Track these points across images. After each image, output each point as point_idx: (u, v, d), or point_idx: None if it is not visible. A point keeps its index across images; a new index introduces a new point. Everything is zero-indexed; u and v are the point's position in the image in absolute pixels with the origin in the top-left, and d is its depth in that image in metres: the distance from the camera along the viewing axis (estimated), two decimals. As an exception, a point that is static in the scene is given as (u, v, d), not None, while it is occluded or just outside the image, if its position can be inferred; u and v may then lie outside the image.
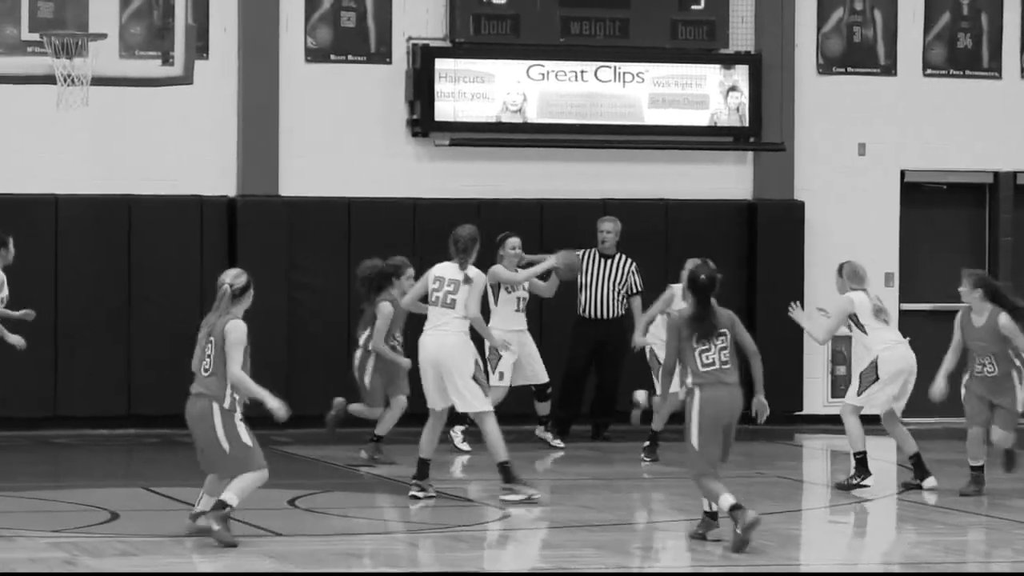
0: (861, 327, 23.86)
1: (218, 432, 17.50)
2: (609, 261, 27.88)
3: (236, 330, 17.49)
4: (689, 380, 18.85)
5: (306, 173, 30.94)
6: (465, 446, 26.66)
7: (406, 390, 25.10)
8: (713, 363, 18.70)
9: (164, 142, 29.89)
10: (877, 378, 23.68)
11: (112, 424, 23.92)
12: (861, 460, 23.54)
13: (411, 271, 24.04)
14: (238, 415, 17.81)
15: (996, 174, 33.48)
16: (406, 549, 20.04)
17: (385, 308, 24.54)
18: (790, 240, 32.07)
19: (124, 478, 25.14)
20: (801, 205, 32.66)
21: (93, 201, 30.02)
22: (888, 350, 23.69)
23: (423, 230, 30.32)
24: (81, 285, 29.48)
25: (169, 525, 20.46)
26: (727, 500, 18.24)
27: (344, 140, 31.04)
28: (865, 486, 23.19)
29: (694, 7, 31.67)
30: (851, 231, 31.77)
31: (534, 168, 31.65)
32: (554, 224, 30.75)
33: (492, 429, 21.40)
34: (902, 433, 23.73)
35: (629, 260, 27.52)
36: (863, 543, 22.53)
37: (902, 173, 33.12)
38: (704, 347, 18.84)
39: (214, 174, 30.69)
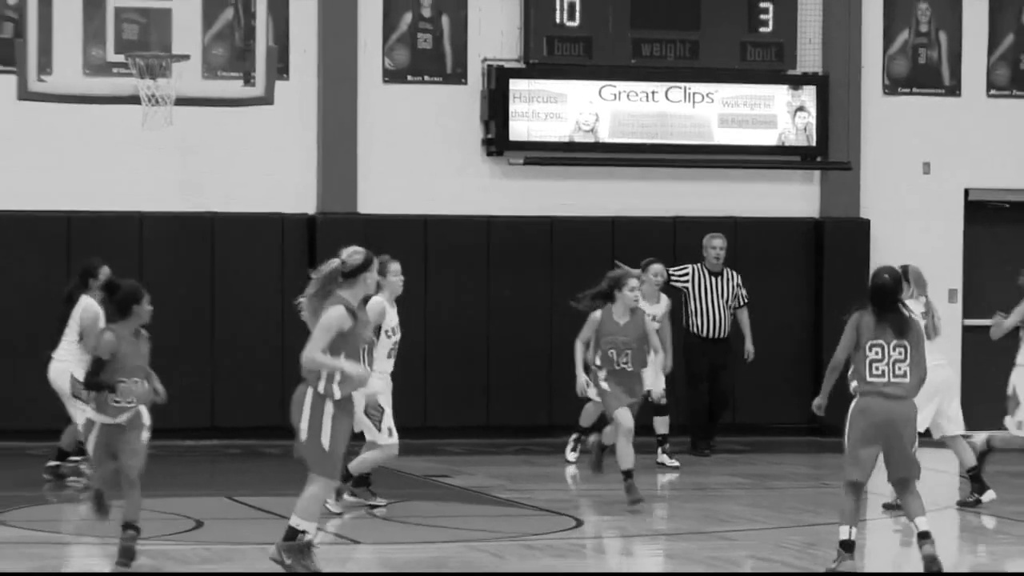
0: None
1: (304, 415, 16.42)
2: (718, 278, 27.98)
3: (328, 316, 16.42)
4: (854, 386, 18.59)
5: (383, 191, 31.03)
6: (572, 456, 26.75)
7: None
8: (883, 374, 18.20)
9: (246, 160, 29.94)
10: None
11: (196, 436, 24.63)
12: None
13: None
14: (330, 409, 16.53)
15: None
16: (488, 558, 19.77)
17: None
18: (856, 257, 31.57)
19: (208, 488, 25.30)
20: (867, 223, 32.46)
21: (177, 219, 30.30)
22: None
23: (497, 247, 30.89)
24: (166, 301, 26.18)
25: (252, 533, 20.89)
26: (843, 531, 18.31)
27: (420, 159, 31.01)
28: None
29: (762, 29, 31.66)
30: (916, 248, 30.67)
31: (606, 186, 31.59)
32: (625, 241, 30.39)
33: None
34: (960, 446, 23.48)
35: (735, 274, 27.60)
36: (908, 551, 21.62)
37: (966, 192, 32.96)
38: (876, 357, 18.40)
39: (294, 192, 30.93)
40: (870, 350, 18.11)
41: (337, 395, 16.46)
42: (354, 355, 17.92)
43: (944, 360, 22.63)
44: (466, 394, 27.75)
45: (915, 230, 32.49)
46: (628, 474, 22.02)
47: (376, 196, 31.01)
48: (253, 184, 30.52)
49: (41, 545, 22.11)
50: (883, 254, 31.14)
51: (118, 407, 16.58)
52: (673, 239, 30.31)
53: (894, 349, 18.15)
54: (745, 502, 23.99)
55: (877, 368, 18.06)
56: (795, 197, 32.53)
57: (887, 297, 18.48)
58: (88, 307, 23.84)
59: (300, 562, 16.13)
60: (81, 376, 21.53)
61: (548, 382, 29.86)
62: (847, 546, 17.93)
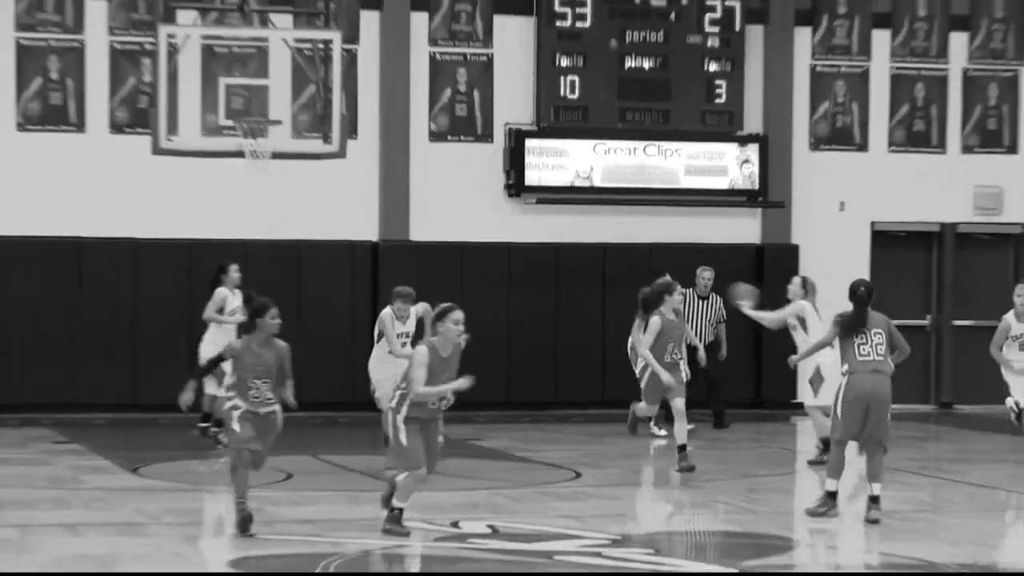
0: (806, 329, 24.27)
1: (385, 427, 17.12)
2: (705, 301, 29.23)
3: (415, 354, 17.07)
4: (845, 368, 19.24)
5: (429, 223, 31.98)
6: (661, 431, 26.41)
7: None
8: (868, 355, 18.99)
9: (324, 199, 31.10)
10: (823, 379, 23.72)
11: (287, 408, 24.03)
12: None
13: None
14: (402, 415, 17.05)
15: (942, 224, 34.48)
16: (508, 501, 20.25)
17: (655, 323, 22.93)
18: (788, 274, 29.06)
19: (296, 448, 24.26)
20: (796, 248, 33.84)
21: (271, 244, 31.17)
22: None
23: (516, 267, 32.24)
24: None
25: (331, 483, 22.61)
26: (829, 483, 19.18)
27: (457, 199, 32.05)
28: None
29: (717, 100, 33.21)
30: (833, 267, 31.54)
31: (598, 220, 32.88)
32: (612, 263, 32.53)
33: None
34: (818, 417, 23.87)
35: (718, 298, 28.30)
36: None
37: (872, 224, 34.21)
38: (861, 341, 19.08)
39: (361, 223, 31.82)
40: (857, 336, 18.99)
41: (403, 411, 17.05)
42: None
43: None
44: (492, 377, 26.54)
45: (833, 253, 33.34)
46: (682, 447, 22.44)
47: (424, 227, 32.07)
48: (330, 218, 31.51)
49: (170, 492, 22.58)
50: (808, 272, 30.54)
51: (258, 400, 16.66)
52: (649, 262, 30.58)
53: (875, 335, 19.03)
54: (709, 460, 24.38)
55: (863, 350, 18.99)
56: (741, 228, 33.69)
57: (867, 300, 19.35)
58: (216, 293, 25.03)
59: (397, 529, 16.86)
60: (204, 354, 24.71)
61: (555, 367, 31.34)
62: (832, 496, 18.99)
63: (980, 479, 23.00)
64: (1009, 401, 24.16)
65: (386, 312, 23.39)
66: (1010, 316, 24.06)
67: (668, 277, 24.14)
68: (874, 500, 19.20)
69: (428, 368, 16.75)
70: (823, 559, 19.03)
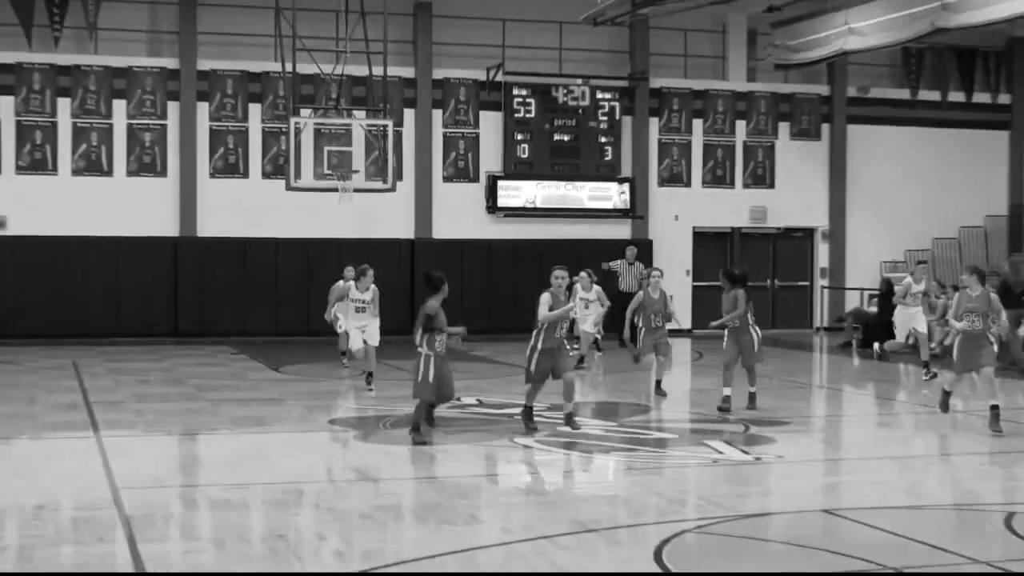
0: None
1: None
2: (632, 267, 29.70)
3: (541, 298, 16.20)
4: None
5: (445, 228, 32.84)
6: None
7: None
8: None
9: (383, 215, 31.46)
10: None
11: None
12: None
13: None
14: (538, 347, 16.09)
15: (732, 228, 35.13)
16: (494, 384, 18.60)
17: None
18: (647, 259, 32.14)
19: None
20: (651, 242, 34.23)
21: (355, 241, 31.05)
22: None
23: (492, 254, 32.50)
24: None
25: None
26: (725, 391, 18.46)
27: (459, 214, 32.94)
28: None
29: (607, 157, 33.84)
30: (672, 255, 33.62)
31: (539, 227, 33.46)
32: (550, 255, 29.62)
33: None
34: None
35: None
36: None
37: (693, 227, 34.84)
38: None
39: (404, 226, 32.58)
40: (746, 303, 18.47)
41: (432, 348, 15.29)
42: None
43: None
44: (480, 313, 27.41)
45: (672, 246, 34.37)
46: (658, 383, 20.15)
47: (443, 229, 33.05)
48: (388, 224, 32.11)
49: (298, 382, 23.12)
50: (659, 258, 32.97)
51: (440, 345, 15.05)
52: (568, 251, 30.56)
53: (747, 303, 18.60)
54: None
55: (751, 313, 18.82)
56: (619, 231, 34.17)
57: (745, 278, 19.06)
58: (337, 284, 23.65)
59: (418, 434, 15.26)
60: (330, 316, 24.11)
61: (514, 307, 29.13)
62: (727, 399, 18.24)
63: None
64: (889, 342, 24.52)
65: (346, 285, 22.70)
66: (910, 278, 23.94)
67: (656, 268, 22.48)
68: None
69: (548, 306, 15.86)
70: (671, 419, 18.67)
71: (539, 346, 16.44)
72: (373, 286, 21.51)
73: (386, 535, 11.05)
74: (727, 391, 18.52)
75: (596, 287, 24.71)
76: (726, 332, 19.04)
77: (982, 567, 9.80)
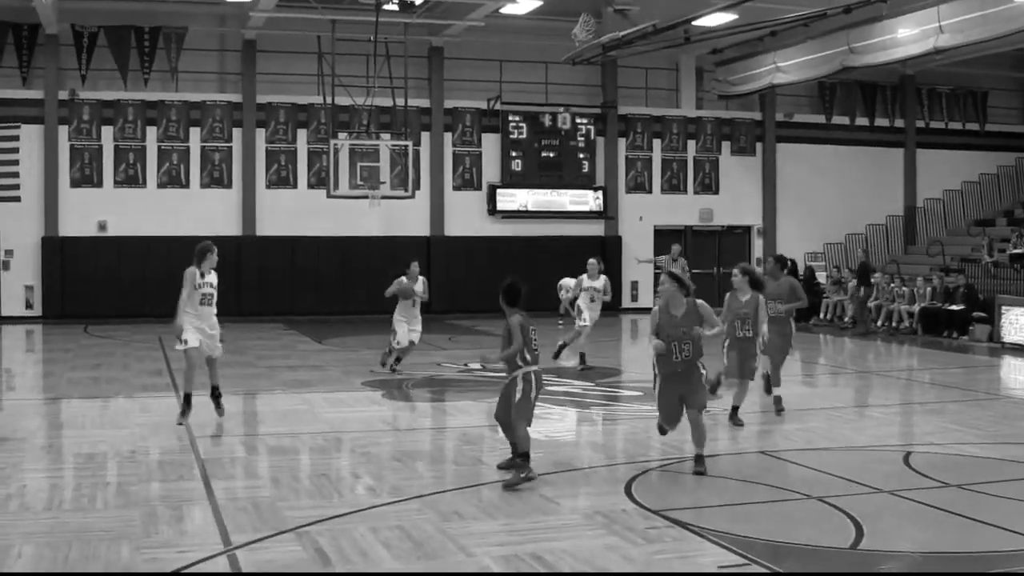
0: None
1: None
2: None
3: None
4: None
5: (455, 225, 32.77)
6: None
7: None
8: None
9: (405, 217, 31.47)
10: None
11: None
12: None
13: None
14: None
15: (686, 226, 34.87)
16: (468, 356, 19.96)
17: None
18: (616, 252, 33.25)
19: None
20: (620, 238, 34.17)
21: (380, 239, 31.35)
22: None
23: (494, 250, 32.15)
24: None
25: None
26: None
27: (466, 214, 32.85)
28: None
29: (584, 171, 33.72)
30: (637, 250, 32.62)
31: (531, 227, 33.39)
32: (539, 251, 31.87)
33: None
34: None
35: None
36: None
37: (654, 226, 34.53)
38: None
39: (422, 226, 32.51)
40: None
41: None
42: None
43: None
44: (482, 296, 24.82)
45: (637, 241, 33.77)
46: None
47: (453, 228, 33.11)
48: (409, 225, 32.06)
49: (339, 352, 21.34)
50: (626, 253, 33.24)
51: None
52: (555, 247, 31.85)
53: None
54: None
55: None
56: (595, 229, 34.27)
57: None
58: (401, 280, 18.48)
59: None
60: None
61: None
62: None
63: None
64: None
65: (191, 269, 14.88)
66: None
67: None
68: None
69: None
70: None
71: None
72: (422, 278, 18.79)
73: (409, 474, 10.96)
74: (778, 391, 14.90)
75: (603, 277, 19.96)
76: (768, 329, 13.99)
77: (883, 496, 9.92)
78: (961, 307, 26.47)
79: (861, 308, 28.39)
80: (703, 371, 11.00)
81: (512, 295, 10.62)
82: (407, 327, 18.45)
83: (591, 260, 20.07)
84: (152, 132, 30.41)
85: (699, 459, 10.89)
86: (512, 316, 10.48)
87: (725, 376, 13.99)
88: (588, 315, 19.48)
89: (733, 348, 13.80)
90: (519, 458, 10.42)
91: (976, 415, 14.90)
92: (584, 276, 19.75)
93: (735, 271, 14.11)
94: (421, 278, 18.86)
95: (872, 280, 28.74)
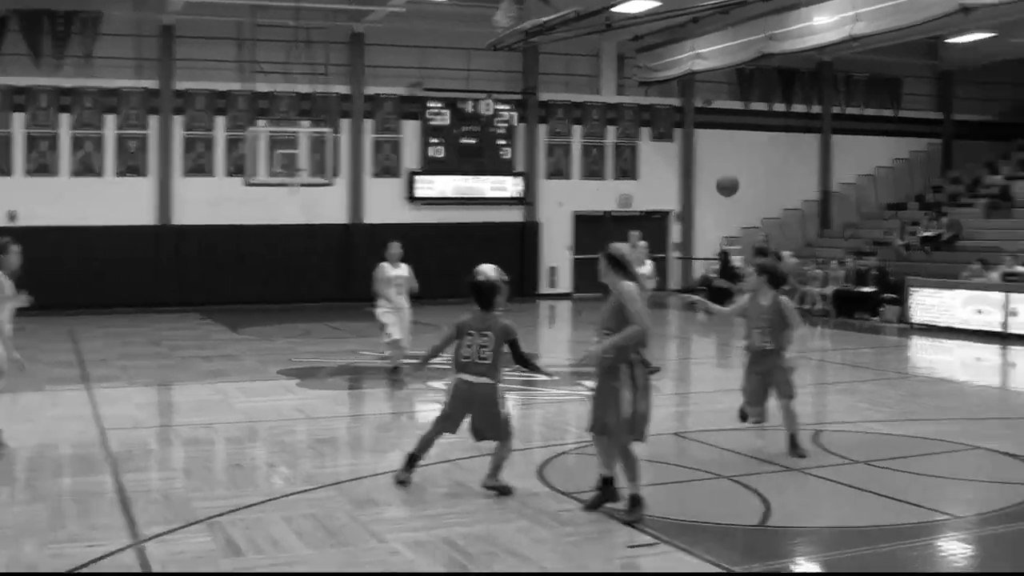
0: None
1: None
2: None
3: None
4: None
5: (374, 213, 32.05)
6: None
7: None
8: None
9: (324, 204, 30.89)
10: None
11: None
12: None
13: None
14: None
15: (604, 211, 34.59)
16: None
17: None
18: (535, 239, 33.54)
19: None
20: (539, 224, 34.17)
21: (302, 226, 30.98)
22: None
23: (415, 235, 29.01)
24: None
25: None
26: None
27: (386, 202, 32.40)
28: None
29: (504, 157, 33.48)
30: (558, 235, 33.80)
31: (451, 213, 33.00)
32: (458, 233, 31.73)
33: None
34: None
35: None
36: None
37: (573, 212, 34.60)
38: None
39: (340, 213, 31.95)
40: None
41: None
42: None
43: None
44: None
45: (557, 227, 34.35)
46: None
47: (372, 215, 32.44)
48: (328, 212, 31.51)
49: (253, 341, 23.11)
50: (545, 239, 33.63)
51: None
52: (476, 233, 31.75)
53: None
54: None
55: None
56: (515, 215, 34.21)
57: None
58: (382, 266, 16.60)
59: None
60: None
61: (432, 282, 29.22)
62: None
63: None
64: None
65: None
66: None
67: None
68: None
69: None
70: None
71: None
72: (405, 265, 16.59)
73: (324, 461, 11.02)
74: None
75: (650, 262, 18.36)
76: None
77: (792, 473, 10.24)
78: (873, 289, 27.30)
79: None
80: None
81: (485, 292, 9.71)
82: (396, 318, 16.18)
83: (632, 233, 18.44)
84: (66, 119, 29.64)
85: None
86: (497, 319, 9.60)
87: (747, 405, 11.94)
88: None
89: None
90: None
91: (886, 394, 15.32)
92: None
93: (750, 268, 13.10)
94: (404, 265, 16.59)
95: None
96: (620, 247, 8.90)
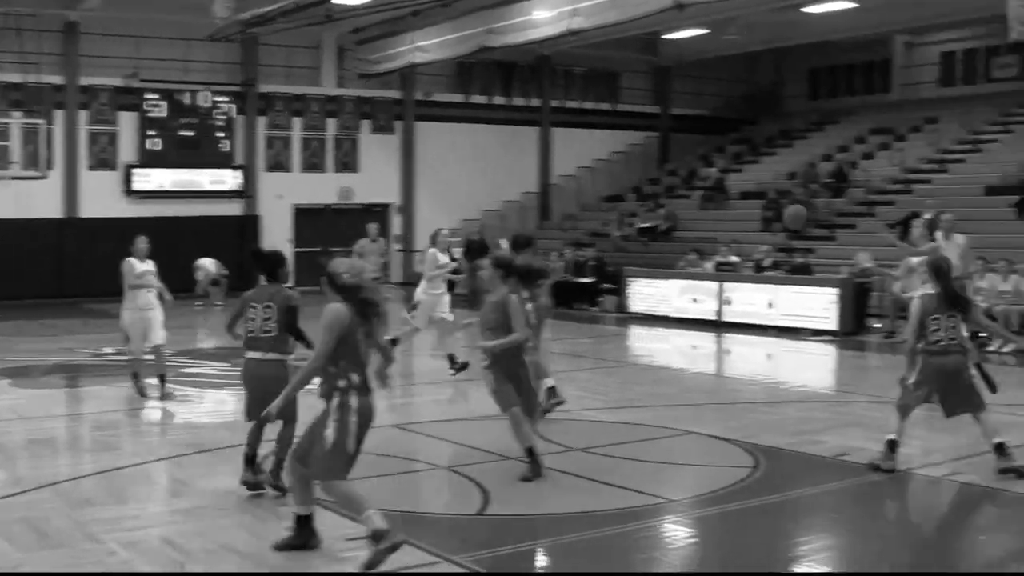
0: None
1: None
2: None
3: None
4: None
5: (91, 206, 31.43)
6: None
7: None
8: None
9: (36, 197, 29.93)
10: None
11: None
12: None
13: None
14: None
15: (325, 204, 34.90)
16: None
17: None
18: (255, 231, 33.29)
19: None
20: (259, 217, 34.19)
21: (7, 222, 29.81)
22: None
23: (129, 232, 30.47)
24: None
25: None
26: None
27: (102, 195, 31.59)
28: None
29: (223, 149, 33.42)
30: (278, 228, 33.62)
31: (169, 207, 32.04)
32: (177, 226, 30.28)
33: None
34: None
35: None
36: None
37: (293, 205, 34.63)
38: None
39: (55, 207, 31.08)
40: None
41: None
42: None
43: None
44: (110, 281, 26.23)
45: (278, 220, 34.03)
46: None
47: (88, 209, 31.44)
48: (43, 205, 30.62)
49: None
50: (266, 233, 33.28)
51: None
52: (194, 231, 31.10)
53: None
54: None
55: None
56: (234, 208, 33.97)
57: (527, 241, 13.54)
58: (429, 254, 16.71)
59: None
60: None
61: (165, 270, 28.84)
62: None
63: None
64: None
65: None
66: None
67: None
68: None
69: None
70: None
71: None
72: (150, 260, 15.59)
73: (40, 463, 11.00)
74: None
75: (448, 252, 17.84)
76: None
77: (511, 463, 10.24)
78: (591, 280, 28.43)
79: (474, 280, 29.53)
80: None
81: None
82: (139, 324, 14.78)
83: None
84: None
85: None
86: None
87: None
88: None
89: None
90: None
91: (603, 382, 16.04)
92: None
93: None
94: (150, 261, 15.31)
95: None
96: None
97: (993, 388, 10.34)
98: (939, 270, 10.45)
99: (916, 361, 10.35)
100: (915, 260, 18.77)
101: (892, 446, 10.43)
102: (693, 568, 8.11)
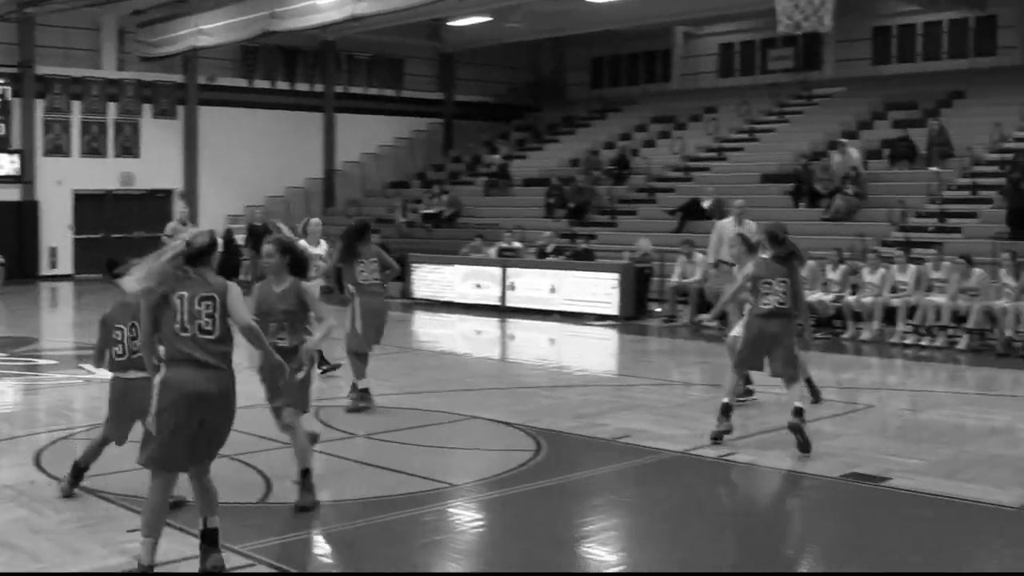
0: None
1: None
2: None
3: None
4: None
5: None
6: None
7: None
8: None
9: None
10: None
11: None
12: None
13: None
14: None
15: (107, 191, 34.09)
16: None
17: None
18: (33, 218, 32.40)
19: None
20: (38, 203, 33.13)
21: None
22: None
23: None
24: None
25: None
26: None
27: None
28: None
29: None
30: (58, 215, 32.96)
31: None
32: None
33: None
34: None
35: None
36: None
37: (73, 190, 33.56)
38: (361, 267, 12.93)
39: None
40: (358, 262, 12.77)
41: None
42: None
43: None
44: None
45: (57, 206, 33.04)
46: None
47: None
48: None
49: None
50: (44, 219, 32.70)
51: None
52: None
53: (371, 262, 12.85)
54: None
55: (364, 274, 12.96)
56: (11, 194, 32.74)
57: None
58: None
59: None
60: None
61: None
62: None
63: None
64: None
65: None
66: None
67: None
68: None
69: None
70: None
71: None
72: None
73: None
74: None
75: (324, 242, 16.71)
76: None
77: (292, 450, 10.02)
78: (374, 266, 29.17)
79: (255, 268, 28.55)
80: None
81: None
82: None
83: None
84: None
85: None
86: None
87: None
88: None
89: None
90: None
91: (387, 368, 15.71)
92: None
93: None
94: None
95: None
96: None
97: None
98: (775, 236, 11.02)
99: (732, 312, 11.15)
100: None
101: (727, 410, 11.06)
102: (480, 550, 8.13)
